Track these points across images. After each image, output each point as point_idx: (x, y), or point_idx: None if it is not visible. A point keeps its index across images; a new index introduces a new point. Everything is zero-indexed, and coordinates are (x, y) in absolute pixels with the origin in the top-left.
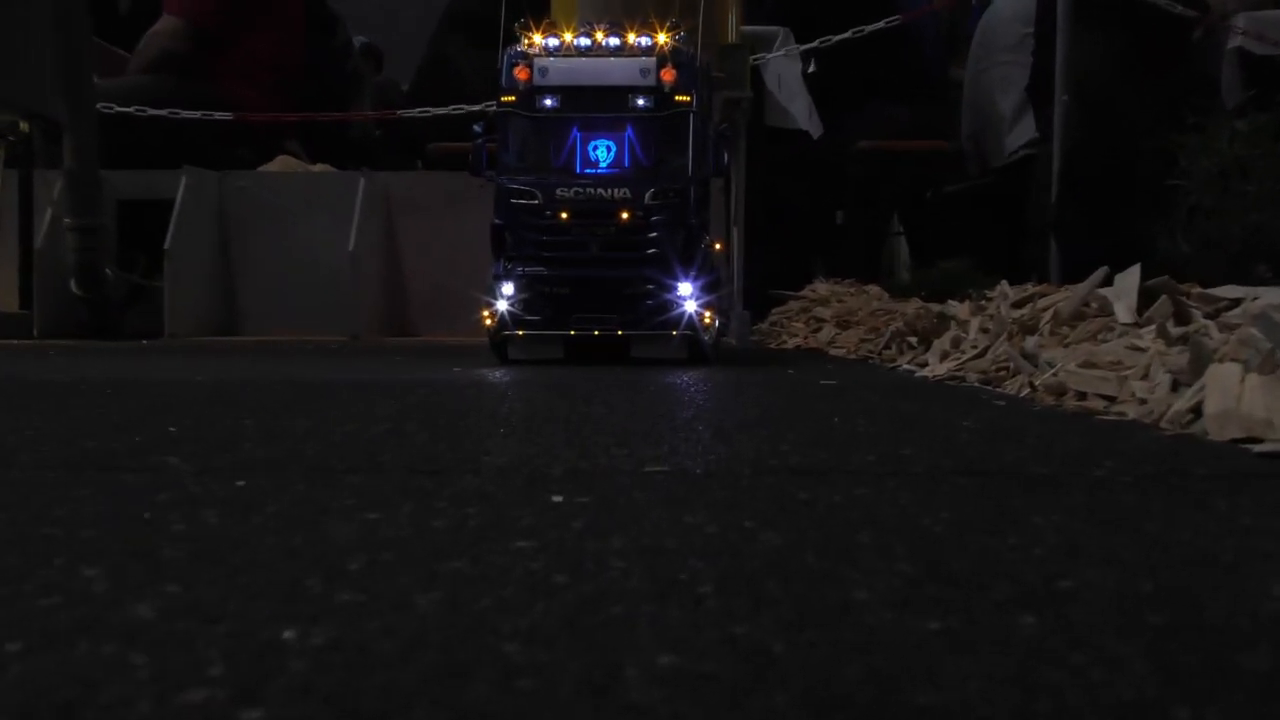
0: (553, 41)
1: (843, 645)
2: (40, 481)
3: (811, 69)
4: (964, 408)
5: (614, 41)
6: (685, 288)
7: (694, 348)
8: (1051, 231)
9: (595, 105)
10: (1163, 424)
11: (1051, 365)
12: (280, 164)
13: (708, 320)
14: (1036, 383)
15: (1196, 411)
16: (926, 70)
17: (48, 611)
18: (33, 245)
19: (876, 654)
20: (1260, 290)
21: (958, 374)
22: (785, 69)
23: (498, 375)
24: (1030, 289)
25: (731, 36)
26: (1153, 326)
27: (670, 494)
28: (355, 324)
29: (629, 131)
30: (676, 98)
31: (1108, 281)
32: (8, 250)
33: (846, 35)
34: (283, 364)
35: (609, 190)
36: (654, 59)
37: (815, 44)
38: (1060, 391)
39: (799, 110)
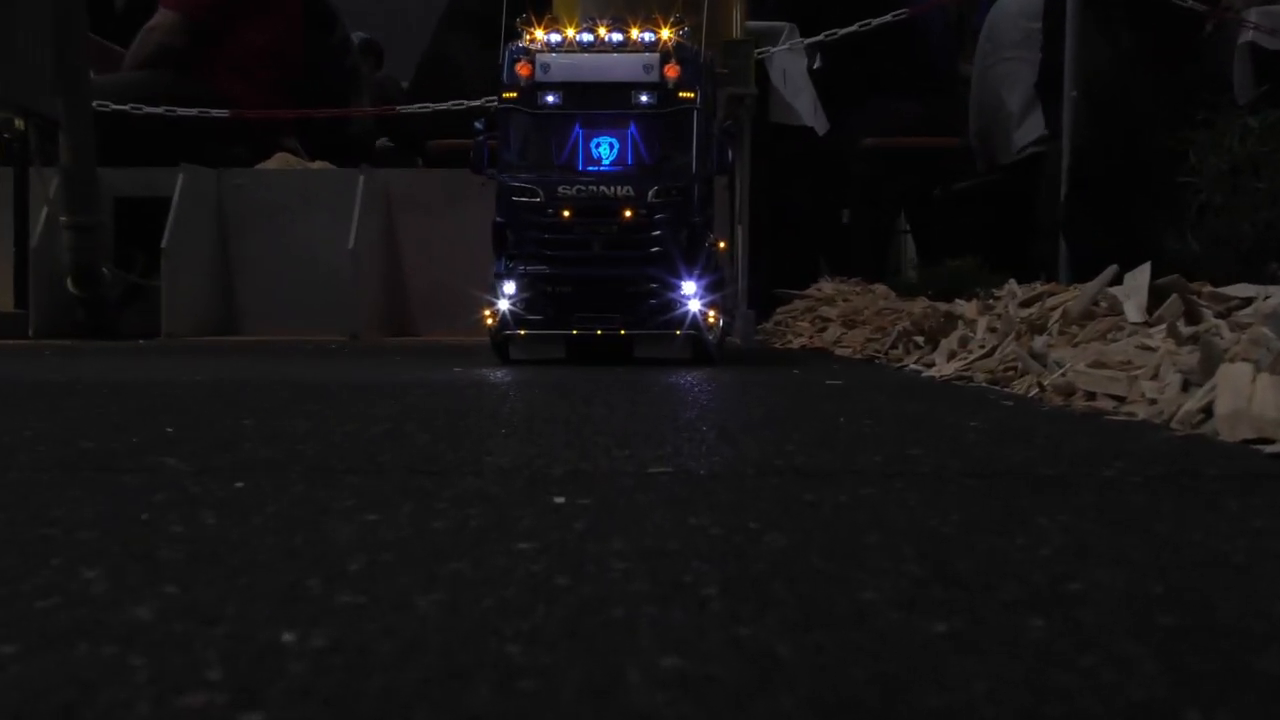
0: (555, 37)
1: (849, 647)
2: (37, 482)
3: (817, 65)
4: (971, 408)
5: (617, 37)
6: (689, 287)
7: (698, 348)
8: (1060, 230)
9: (598, 102)
10: (1173, 424)
11: (1060, 365)
12: (278, 161)
13: (712, 320)
14: (1045, 383)
15: (1207, 412)
16: (934, 65)
17: (46, 613)
18: (28, 244)
19: (883, 656)
20: (1272, 289)
21: (965, 374)
22: (790, 64)
23: (499, 375)
24: (1039, 288)
25: (736, 32)
26: (1163, 326)
27: (673, 495)
28: (355, 323)
29: (632, 128)
30: (680, 94)
31: (1117, 280)
32: (3, 249)
33: (853, 29)
34: (281, 364)
35: (612, 188)
36: (657, 55)
37: (821, 38)
38: (1069, 392)
39: (804, 106)
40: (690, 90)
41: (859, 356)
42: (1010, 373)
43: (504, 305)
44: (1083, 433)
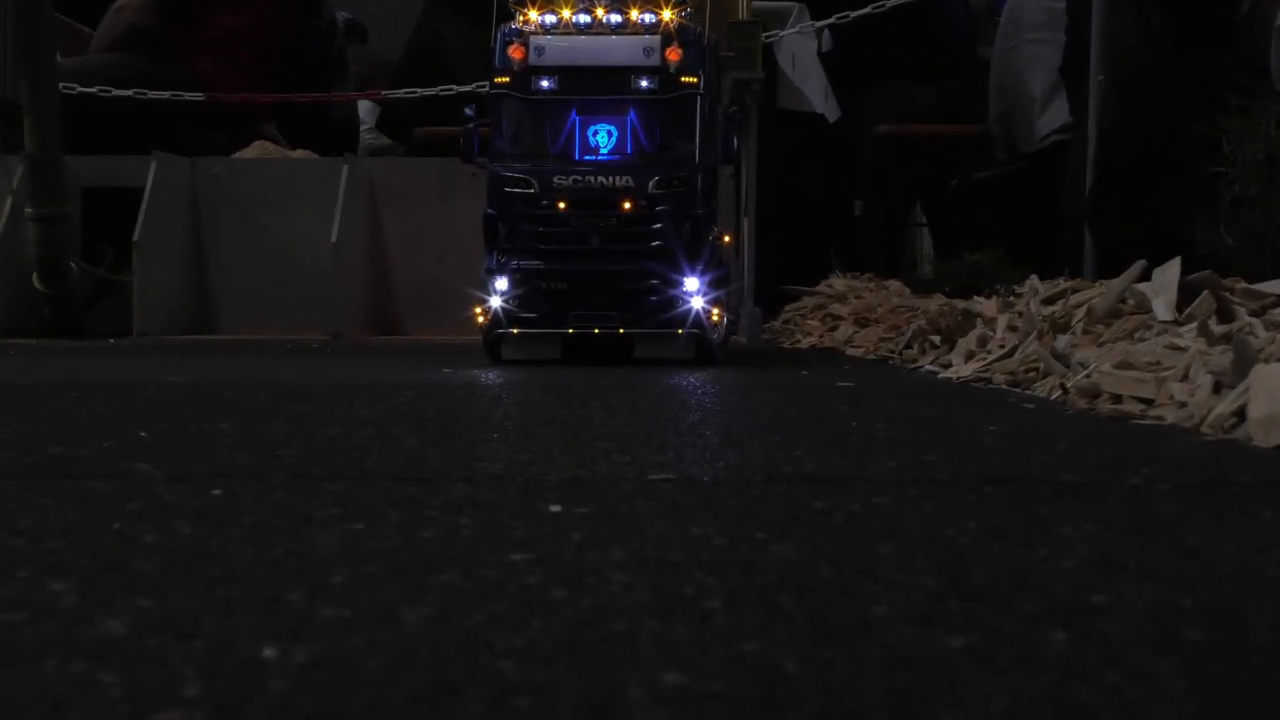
0: (550, 18)
1: (860, 663)
2: (2, 490)
3: (828, 48)
4: (990, 411)
5: (615, 18)
6: (691, 283)
7: (701, 347)
8: (1085, 222)
9: (595, 87)
10: (1204, 429)
11: (1085, 366)
12: (257, 149)
13: (716, 318)
14: (1068, 384)
15: (1240, 415)
16: (951, 48)
17: (13, 628)
18: None
19: (896, 672)
20: None
21: (984, 375)
22: (800, 47)
23: (491, 376)
24: (1062, 284)
25: (743, 13)
26: (1193, 324)
27: (675, 503)
28: (338, 321)
29: (631, 115)
30: (682, 79)
31: (1146, 276)
32: None
33: (866, 11)
34: (261, 364)
35: (610, 178)
36: (658, 37)
37: (832, 20)
38: (1094, 394)
39: (814, 92)
40: (693, 74)
41: (872, 357)
42: (1032, 374)
43: (496, 302)
44: (1108, 437)
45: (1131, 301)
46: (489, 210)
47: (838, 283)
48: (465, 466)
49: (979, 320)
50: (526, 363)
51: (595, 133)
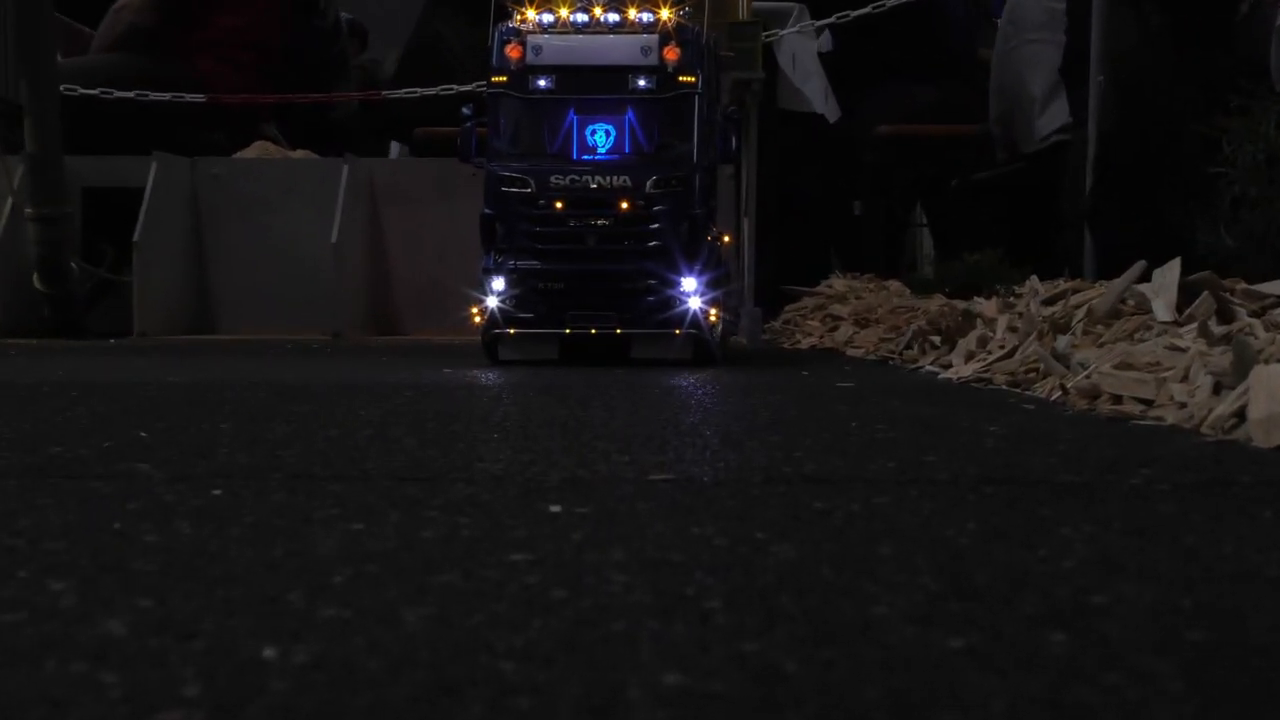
0: (547, 17)
1: (860, 664)
2: (3, 490)
3: (828, 47)
4: (990, 412)
5: (613, 17)
6: (689, 283)
7: (699, 348)
8: (1086, 222)
9: (593, 86)
10: (1204, 429)
11: (1085, 366)
12: (257, 149)
13: (713, 318)
14: (1068, 385)
15: (1240, 416)
16: (951, 48)
17: (12, 628)
18: None
19: (896, 673)
20: None
21: (984, 376)
22: (800, 47)
23: (491, 376)
24: (1062, 285)
25: (743, 13)
26: (1193, 325)
27: (676, 504)
28: (338, 321)
29: (629, 114)
30: (680, 78)
31: (1146, 277)
32: None
33: (866, 10)
34: (261, 364)
35: (608, 178)
36: (656, 36)
37: (832, 20)
38: (1094, 394)
39: (814, 92)
40: (691, 74)
41: (872, 357)
42: (1032, 374)
43: (493, 302)
44: (1108, 438)
45: (1131, 302)
46: (486, 210)
47: (838, 283)
48: (465, 467)
49: (979, 321)
50: (526, 363)
51: (593, 132)
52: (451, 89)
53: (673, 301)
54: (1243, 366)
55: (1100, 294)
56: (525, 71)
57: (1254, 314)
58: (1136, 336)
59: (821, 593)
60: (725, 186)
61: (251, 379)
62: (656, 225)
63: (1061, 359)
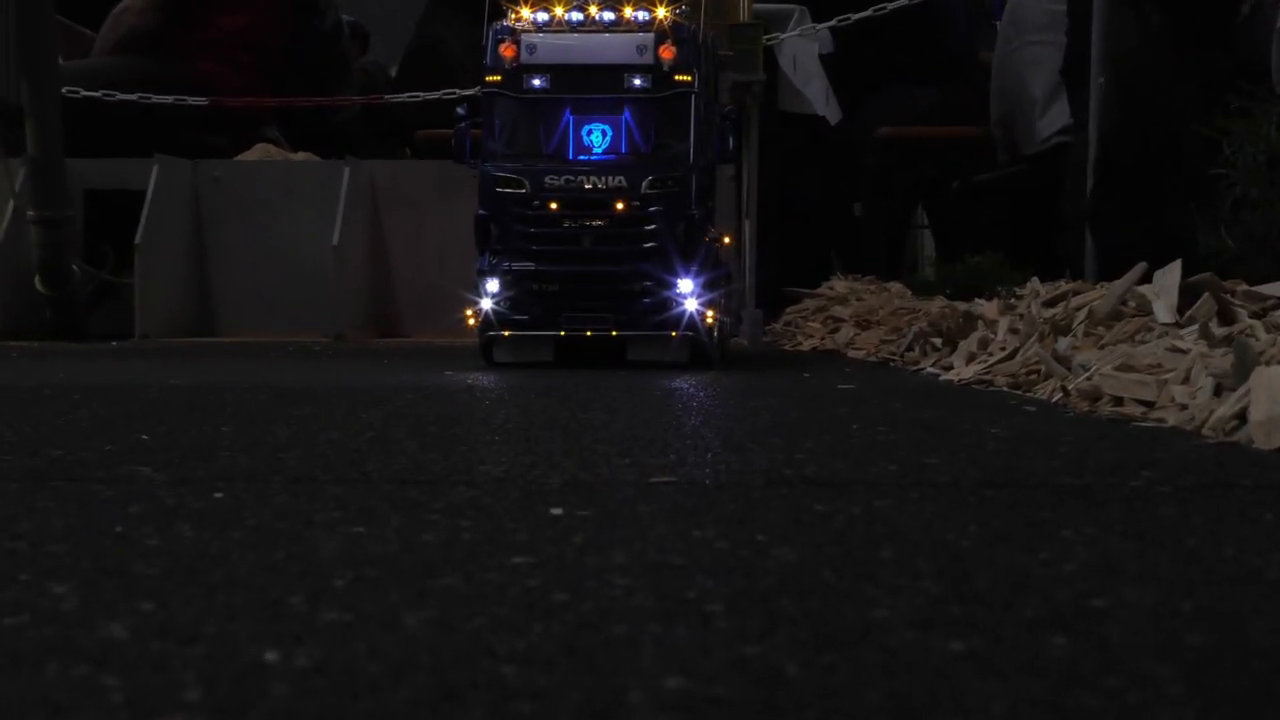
0: (542, 16)
1: (861, 668)
2: (4, 493)
3: (829, 49)
4: (992, 414)
5: (609, 16)
6: (686, 284)
7: (695, 350)
8: (1087, 224)
9: (588, 85)
10: (1204, 431)
11: (1086, 368)
12: (259, 152)
13: (710, 320)
14: (1069, 387)
15: (1241, 418)
16: (952, 50)
17: (14, 631)
18: None
19: (898, 677)
20: None
21: (985, 378)
22: (801, 50)
23: (492, 379)
24: (1063, 286)
25: (743, 15)
26: (1194, 327)
27: (677, 506)
28: (339, 323)
29: (625, 114)
30: (676, 77)
31: (1147, 278)
32: None
33: (867, 13)
34: (262, 367)
35: (603, 178)
36: (652, 35)
37: (833, 22)
38: (1095, 396)
39: (815, 94)
40: (687, 73)
41: (873, 359)
42: (1033, 376)
43: (487, 304)
44: (1109, 440)
45: (1132, 304)
46: (480, 211)
47: (839, 285)
48: (467, 470)
49: (980, 322)
50: (526, 365)
51: (589, 132)
52: (454, 93)
53: (669, 303)
54: (1243, 368)
55: (1101, 296)
56: (520, 71)
57: (1255, 315)
58: (1138, 338)
59: (823, 596)
60: (726, 188)
61: (253, 381)
62: (653, 226)
63: (1063, 361)
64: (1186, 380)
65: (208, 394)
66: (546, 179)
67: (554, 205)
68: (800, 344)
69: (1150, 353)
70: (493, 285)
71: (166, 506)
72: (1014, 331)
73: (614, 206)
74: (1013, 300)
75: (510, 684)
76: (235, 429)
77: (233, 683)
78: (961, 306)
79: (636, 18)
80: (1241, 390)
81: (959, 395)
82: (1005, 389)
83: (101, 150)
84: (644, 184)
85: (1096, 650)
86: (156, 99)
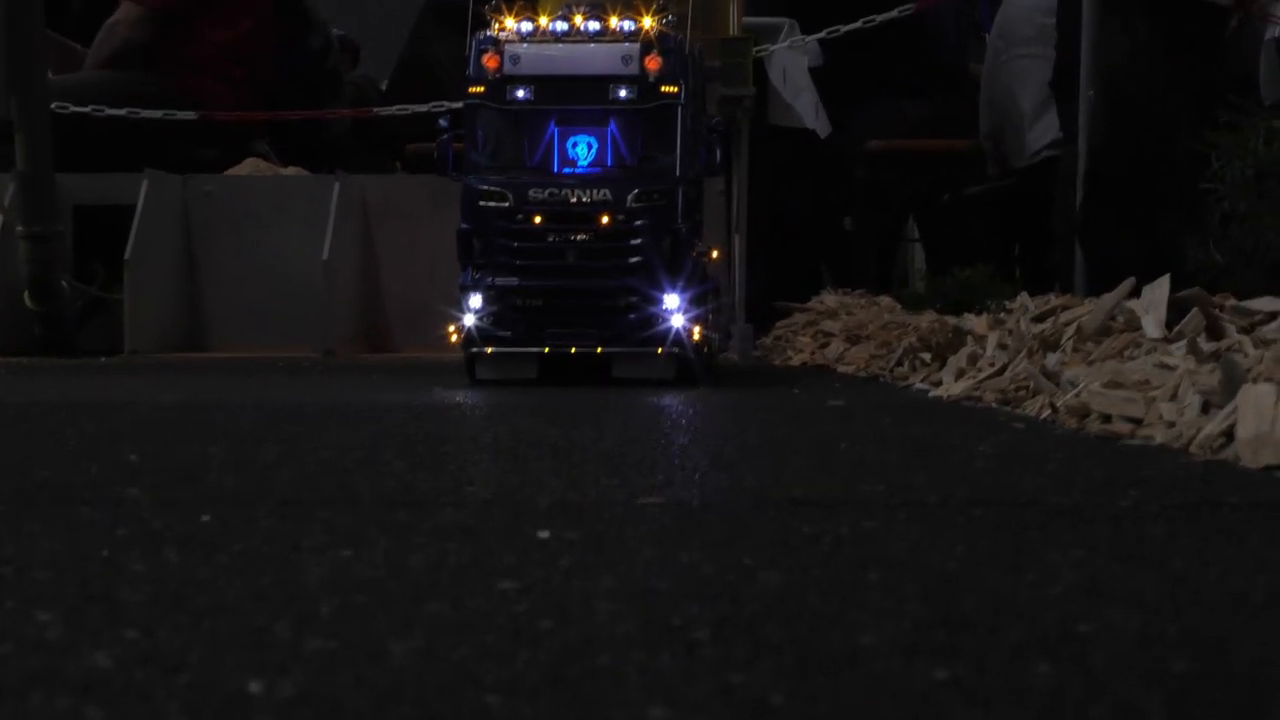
0: (526, 26)
1: (847, 696)
2: None
3: (818, 62)
4: (980, 431)
5: (594, 26)
6: (672, 300)
7: (682, 367)
8: (1077, 236)
9: (572, 96)
10: (1192, 449)
11: (1074, 385)
12: (249, 166)
13: (697, 336)
14: (1058, 404)
15: (1229, 435)
16: (942, 63)
17: None
18: None
19: (882, 706)
20: None
21: (974, 394)
22: (791, 63)
23: (480, 396)
24: (1052, 301)
25: (733, 29)
26: (1183, 342)
27: (664, 529)
28: (329, 339)
29: (611, 126)
30: (662, 88)
31: (1136, 293)
32: None
33: (856, 25)
34: (252, 384)
35: (588, 191)
36: (637, 45)
37: (822, 34)
38: (1083, 413)
39: (805, 107)
40: (673, 84)
41: (863, 374)
42: (1021, 392)
43: (470, 320)
44: (1097, 458)
45: (1121, 319)
46: (462, 225)
47: (829, 299)
48: (455, 490)
49: (969, 337)
50: (514, 383)
51: (574, 144)
52: (443, 106)
53: (655, 319)
54: (1231, 385)
55: (1090, 311)
56: (503, 82)
57: (1243, 330)
58: (1126, 354)
59: (809, 621)
60: (716, 202)
61: (241, 399)
62: (638, 240)
63: (1051, 377)
64: (1174, 397)
65: (197, 412)
66: (530, 192)
67: (538, 219)
68: (790, 359)
69: (1138, 369)
70: (475, 301)
71: (153, 530)
72: (1003, 347)
73: (599, 220)
74: (1002, 315)
75: (495, 714)
76: (224, 449)
77: (216, 713)
78: (951, 321)
79: (622, 28)
80: (1229, 408)
81: (948, 412)
82: (994, 405)
83: (91, 165)
84: (629, 197)
85: (1081, 676)
86: (146, 113)
